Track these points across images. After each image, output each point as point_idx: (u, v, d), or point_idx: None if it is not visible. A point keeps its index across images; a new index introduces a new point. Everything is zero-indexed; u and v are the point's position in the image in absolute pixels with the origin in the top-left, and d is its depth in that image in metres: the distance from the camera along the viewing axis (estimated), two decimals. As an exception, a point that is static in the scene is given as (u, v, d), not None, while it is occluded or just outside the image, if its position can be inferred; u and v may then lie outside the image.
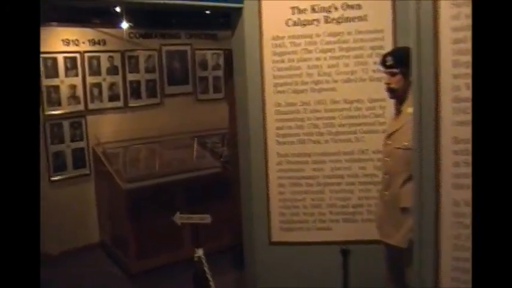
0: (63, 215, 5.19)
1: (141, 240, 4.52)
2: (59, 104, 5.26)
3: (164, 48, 5.91)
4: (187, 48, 6.09)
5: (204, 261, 3.30)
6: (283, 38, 3.16)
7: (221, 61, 6.34)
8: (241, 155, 3.39)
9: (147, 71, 5.79)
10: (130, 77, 5.69)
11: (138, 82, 5.74)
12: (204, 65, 6.23)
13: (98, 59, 5.50)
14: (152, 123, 5.71)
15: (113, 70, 5.58)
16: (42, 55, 5.11)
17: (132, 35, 5.70)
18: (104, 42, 5.53)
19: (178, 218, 3.40)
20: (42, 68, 5.12)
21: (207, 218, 3.28)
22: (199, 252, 3.34)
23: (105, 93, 5.54)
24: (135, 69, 5.72)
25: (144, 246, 4.53)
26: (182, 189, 4.74)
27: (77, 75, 5.36)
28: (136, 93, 5.73)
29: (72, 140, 5.35)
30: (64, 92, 5.29)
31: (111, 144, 5.32)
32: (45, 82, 5.18)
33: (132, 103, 5.70)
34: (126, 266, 4.62)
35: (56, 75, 5.24)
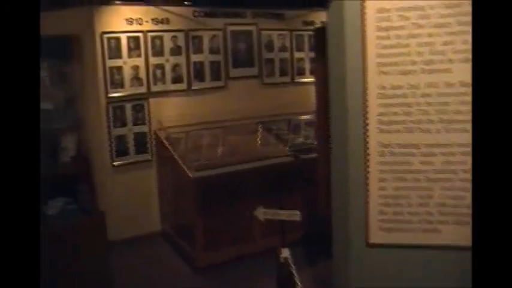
0: (124, 201, 4.99)
1: (209, 231, 4.23)
2: (121, 85, 5.02)
3: (229, 28, 5.57)
4: (253, 28, 5.73)
5: (291, 262, 2.97)
6: (389, 10, 2.74)
7: (287, 42, 5.96)
8: (335, 144, 3.01)
9: (211, 51, 5.48)
10: (194, 58, 5.38)
11: (202, 64, 5.43)
12: (270, 47, 5.86)
13: (161, 39, 5.22)
14: (216, 107, 5.40)
15: (176, 51, 5.29)
16: (106, 35, 4.90)
17: (196, 14, 5.38)
18: (168, 21, 5.24)
19: (262, 214, 3.07)
20: (105, 49, 4.90)
21: (295, 215, 2.94)
22: (286, 252, 3.01)
23: (168, 75, 5.26)
24: (198, 49, 5.41)
25: (212, 239, 4.24)
26: (252, 179, 4.42)
27: (139, 55, 5.10)
28: (199, 76, 5.42)
29: (134, 124, 5.11)
30: (127, 73, 5.04)
31: (174, 128, 5.04)
32: (109, 63, 4.95)
33: (196, 86, 5.40)
34: (191, 258, 4.34)
35: (119, 55, 5.00)
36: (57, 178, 4.12)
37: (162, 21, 5.21)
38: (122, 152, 5.04)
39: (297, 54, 6.05)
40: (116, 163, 5.00)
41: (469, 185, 2.74)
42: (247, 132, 5.35)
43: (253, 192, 4.40)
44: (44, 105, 5.05)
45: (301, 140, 5.12)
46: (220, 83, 5.52)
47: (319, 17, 6.11)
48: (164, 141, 4.89)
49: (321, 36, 3.31)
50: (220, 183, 4.28)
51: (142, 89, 5.12)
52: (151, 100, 5.16)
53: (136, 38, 5.08)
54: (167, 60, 5.24)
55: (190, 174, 4.20)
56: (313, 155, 4.50)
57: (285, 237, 3.07)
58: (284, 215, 2.97)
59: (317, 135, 4.07)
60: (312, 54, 6.09)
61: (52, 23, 4.55)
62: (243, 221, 4.38)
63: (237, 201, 4.34)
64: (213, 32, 5.47)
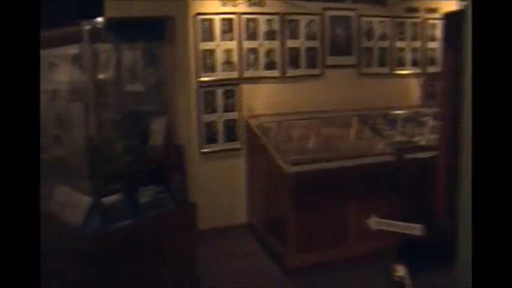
0: (210, 190, 4.79)
1: (302, 231, 3.91)
2: (213, 70, 4.79)
3: (327, 13, 5.18)
4: (353, 14, 5.31)
5: (408, 282, 2.58)
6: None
7: (388, 30, 5.49)
8: (466, 143, 2.59)
9: (308, 37, 5.12)
10: (289, 43, 5.06)
11: (297, 50, 5.09)
12: (369, 34, 5.41)
13: (256, 21, 4.93)
14: (310, 96, 5.06)
15: (270, 35, 4.99)
16: (199, 17, 4.68)
17: (293, -4, 5.06)
18: (263, 4, 4.94)
19: (375, 223, 2.70)
20: (199, 31, 4.69)
21: (416, 229, 2.55)
22: (401, 270, 2.63)
23: (262, 60, 4.97)
24: (294, 35, 5.08)
25: (305, 239, 3.92)
26: (351, 178, 4.05)
27: (232, 39, 4.85)
28: (294, 62, 5.09)
29: (224, 110, 4.88)
30: (219, 56, 4.80)
31: (266, 117, 4.75)
32: (201, 46, 4.74)
33: (290, 73, 5.08)
34: (281, 257, 4.04)
35: (212, 38, 4.77)
36: (148, 164, 3.98)
37: (256, 4, 4.93)
38: (210, 139, 4.84)
39: (399, 44, 5.57)
40: (204, 150, 4.80)
41: None
42: (341, 125, 4.96)
43: (351, 192, 4.04)
44: (135, 87, 4.97)
45: (405, 138, 4.67)
46: (315, 71, 5.16)
47: (427, 4, 5.60)
48: (256, 130, 4.62)
49: (454, 23, 2.87)
50: (317, 180, 3.93)
51: (234, 74, 4.86)
52: (243, 86, 4.90)
53: (230, 21, 4.82)
54: (261, 45, 4.95)
55: (285, 168, 3.89)
56: (421, 155, 4.08)
57: (404, 252, 2.70)
58: (401, 227, 2.59)
59: (441, 134, 3.61)
60: (415, 44, 5.62)
61: (148, 4, 4.40)
62: (338, 222, 4.05)
63: (333, 200, 4.00)
64: (310, 17, 5.11)
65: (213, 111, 4.83)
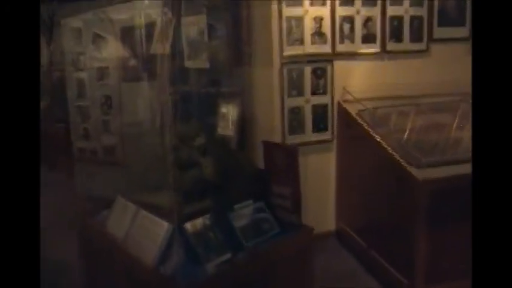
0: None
1: (436, 255, 3.03)
2: (301, 41, 3.87)
3: (435, -26, 4.21)
4: (464, -26, 4.33)
5: None
6: None
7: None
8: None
9: (413, 4, 4.16)
10: (391, 10, 4.10)
11: (400, 19, 4.14)
12: (483, 1, 4.43)
13: (352, -17, 3.98)
14: (414, 76, 4.12)
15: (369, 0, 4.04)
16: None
17: (396, -47, 4.08)
18: (360, -38, 3.99)
19: None
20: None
21: None
22: None
23: (358, 32, 4.03)
24: (397, 1, 4.12)
25: (436, 267, 3.04)
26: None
27: (324, 4, 3.91)
28: (396, 34, 4.14)
29: (313, 93, 3.96)
30: (307, 25, 3.87)
31: (366, 102, 3.83)
32: (286, 12, 3.80)
33: (391, 47, 4.13)
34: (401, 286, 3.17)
35: (300, 2, 3.83)
36: (235, 168, 3.11)
37: (354, -38, 3.97)
38: (295, 128, 3.94)
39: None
40: (288, 141, 3.90)
41: None
42: (450, 112, 4.05)
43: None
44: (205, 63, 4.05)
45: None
46: (421, 46, 4.21)
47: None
48: (355, 117, 3.71)
49: None
50: (447, 189, 3.02)
51: (326, 48, 3.94)
52: (336, 63, 3.97)
53: (321, -19, 3.88)
54: (358, 12, 4.01)
55: (414, 173, 2.98)
56: None
57: None
58: None
59: None
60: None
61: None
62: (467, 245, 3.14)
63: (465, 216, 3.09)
64: (416, -22, 4.15)
65: (300, 94, 3.91)
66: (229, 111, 3.65)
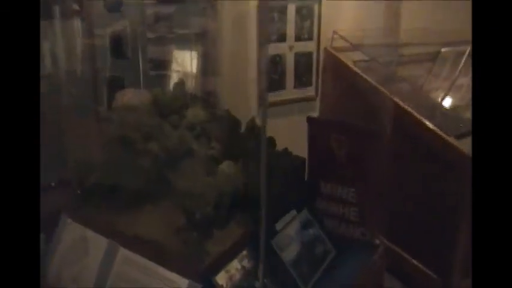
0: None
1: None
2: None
3: None
4: None
5: None
6: None
7: None
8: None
9: None
10: None
11: None
12: None
13: None
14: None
15: None
16: None
17: None
18: None
19: None
20: None
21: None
22: None
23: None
24: None
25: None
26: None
27: None
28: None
29: (297, 38, 3.14)
30: None
31: (367, 48, 3.09)
32: None
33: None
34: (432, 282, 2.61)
35: None
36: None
37: None
38: (274, 82, 3.13)
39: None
40: (265, 100, 3.09)
41: None
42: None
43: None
44: None
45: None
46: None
47: None
48: (355, 69, 2.98)
49: None
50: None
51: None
52: (325, 2, 3.16)
53: None
54: None
55: (453, 142, 2.36)
56: None
57: None
58: None
59: None
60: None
61: None
62: None
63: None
64: None
65: (281, 39, 3.08)
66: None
